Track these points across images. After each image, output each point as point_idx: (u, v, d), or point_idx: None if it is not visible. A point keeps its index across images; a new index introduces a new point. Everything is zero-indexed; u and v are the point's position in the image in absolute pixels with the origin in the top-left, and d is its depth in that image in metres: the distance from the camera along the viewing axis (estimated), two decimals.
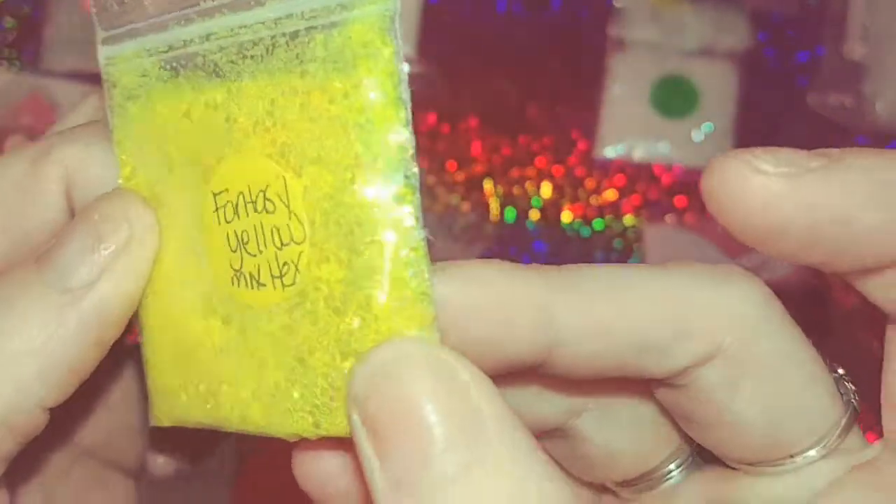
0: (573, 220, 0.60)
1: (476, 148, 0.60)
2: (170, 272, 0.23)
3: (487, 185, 0.59)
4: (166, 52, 0.22)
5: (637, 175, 0.61)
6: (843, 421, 0.22)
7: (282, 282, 0.20)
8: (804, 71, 0.61)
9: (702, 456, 0.23)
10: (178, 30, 0.22)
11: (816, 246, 0.19)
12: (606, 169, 0.60)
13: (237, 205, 0.21)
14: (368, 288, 0.19)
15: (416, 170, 0.19)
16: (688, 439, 0.23)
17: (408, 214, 0.19)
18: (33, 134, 0.59)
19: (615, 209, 0.60)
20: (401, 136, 0.19)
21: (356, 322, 0.19)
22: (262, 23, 0.20)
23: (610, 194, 0.60)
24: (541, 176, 0.60)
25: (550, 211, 0.59)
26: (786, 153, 0.19)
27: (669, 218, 0.59)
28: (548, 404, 0.22)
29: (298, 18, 0.20)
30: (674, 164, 0.61)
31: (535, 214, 0.59)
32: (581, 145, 0.61)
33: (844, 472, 0.21)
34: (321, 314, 0.20)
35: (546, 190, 0.60)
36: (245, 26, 0.21)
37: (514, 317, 0.19)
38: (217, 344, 0.22)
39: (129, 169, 0.23)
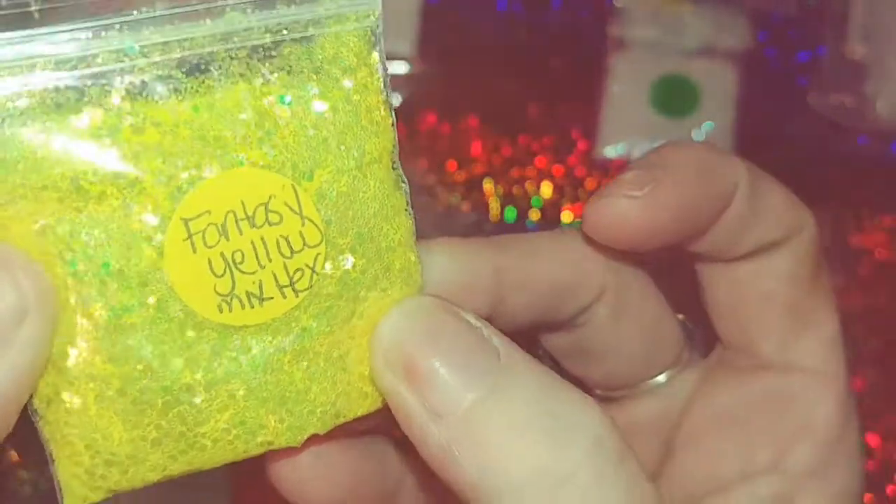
0: (573, 219, 0.60)
1: (476, 148, 0.60)
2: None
3: (487, 185, 0.59)
4: (71, 67, 0.19)
5: None
6: (689, 340, 0.28)
7: (293, 289, 0.21)
8: (804, 71, 0.61)
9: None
10: (85, 41, 0.19)
11: (678, 231, 0.24)
12: (606, 169, 0.60)
13: (224, 225, 0.20)
14: (380, 269, 0.21)
15: (398, 159, 0.22)
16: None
17: (405, 201, 0.22)
18: None
19: None
20: (392, 133, 0.21)
21: (372, 300, 0.22)
22: (215, 35, 0.20)
23: None
24: (541, 176, 0.60)
25: (550, 211, 0.59)
26: (631, 179, 0.24)
27: None
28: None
29: (264, 32, 0.20)
30: None
31: (535, 214, 0.59)
32: (581, 145, 0.61)
33: (700, 376, 0.28)
34: (340, 304, 0.21)
35: (546, 190, 0.60)
36: (190, 39, 0.19)
37: (477, 275, 0.24)
38: (207, 381, 0.21)
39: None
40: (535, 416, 0.20)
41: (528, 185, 0.60)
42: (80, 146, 0.19)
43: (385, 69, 0.21)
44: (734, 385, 0.27)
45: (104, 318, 0.20)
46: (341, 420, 0.22)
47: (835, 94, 0.59)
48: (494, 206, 0.59)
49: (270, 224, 0.20)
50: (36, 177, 0.19)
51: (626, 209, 0.23)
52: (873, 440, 0.53)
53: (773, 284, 0.26)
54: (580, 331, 0.27)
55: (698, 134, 0.61)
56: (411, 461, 0.27)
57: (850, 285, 0.57)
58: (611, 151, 0.61)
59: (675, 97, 0.61)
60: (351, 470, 0.25)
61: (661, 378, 0.28)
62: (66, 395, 0.20)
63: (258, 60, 0.20)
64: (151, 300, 0.20)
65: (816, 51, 0.61)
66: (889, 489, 0.54)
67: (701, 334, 0.29)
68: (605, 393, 0.29)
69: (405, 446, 0.27)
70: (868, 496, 0.53)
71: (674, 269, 0.28)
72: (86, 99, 0.19)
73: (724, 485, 0.25)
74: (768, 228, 0.25)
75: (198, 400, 0.20)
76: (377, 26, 0.21)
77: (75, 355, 0.20)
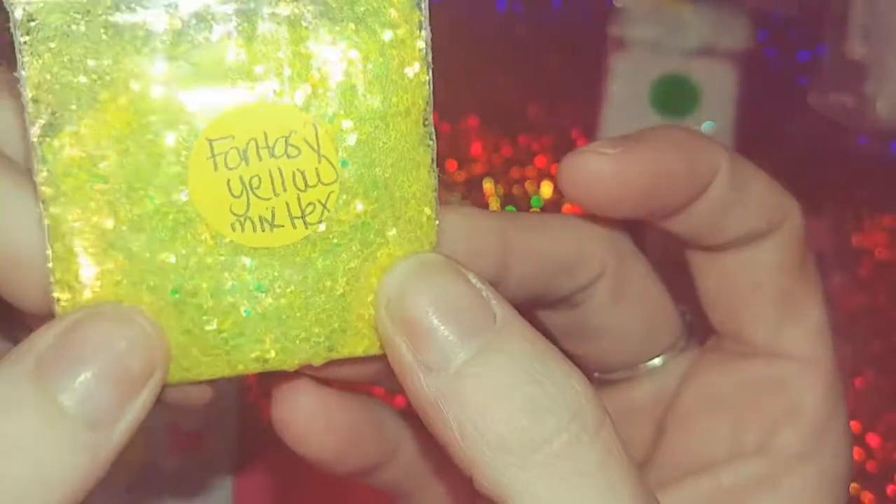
0: None
1: (476, 148, 0.60)
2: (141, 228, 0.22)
3: (487, 185, 0.59)
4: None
5: None
6: (686, 326, 0.29)
7: (304, 221, 0.22)
8: (805, 71, 0.61)
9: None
10: None
11: (651, 200, 0.25)
12: None
13: (245, 150, 0.22)
14: (391, 217, 0.22)
15: (431, 117, 0.22)
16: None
17: (430, 159, 0.23)
18: None
19: None
20: (426, 91, 0.22)
21: (379, 246, 0.22)
22: None
23: None
24: (541, 176, 0.60)
25: (550, 211, 0.59)
26: (612, 139, 0.25)
27: None
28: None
29: None
30: None
31: None
32: (581, 145, 0.61)
33: (694, 361, 0.28)
34: (347, 245, 0.22)
35: (546, 190, 0.60)
36: None
37: (485, 238, 0.25)
38: (213, 289, 0.22)
39: (47, 118, 0.21)
40: (520, 381, 0.20)
41: (528, 185, 0.60)
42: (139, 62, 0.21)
43: (428, 29, 0.22)
44: (725, 370, 0.27)
45: (127, 219, 0.21)
46: (335, 355, 0.23)
47: (835, 94, 0.59)
48: (494, 205, 0.59)
49: (289, 157, 0.22)
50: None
51: (596, 164, 0.24)
52: (873, 440, 0.53)
53: (760, 274, 0.26)
54: (580, 310, 0.28)
55: None
56: (410, 427, 0.28)
57: (850, 285, 0.57)
58: None
59: (675, 97, 0.61)
60: (350, 422, 0.26)
61: (658, 361, 0.29)
62: (85, 282, 0.21)
63: (304, 5, 0.22)
64: (172, 211, 0.22)
65: (816, 51, 0.61)
66: (889, 489, 0.54)
67: (699, 324, 0.30)
68: (602, 375, 0.30)
69: (405, 413, 0.28)
70: (868, 496, 0.53)
71: (676, 260, 0.29)
72: (146, 25, 0.21)
73: (711, 464, 0.26)
74: (752, 217, 0.26)
75: (204, 305, 0.22)
76: None
77: (93, 251, 0.21)
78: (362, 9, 0.22)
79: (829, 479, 0.26)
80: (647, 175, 0.24)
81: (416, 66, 0.22)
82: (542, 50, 0.61)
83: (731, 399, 0.27)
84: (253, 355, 0.23)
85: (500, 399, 0.20)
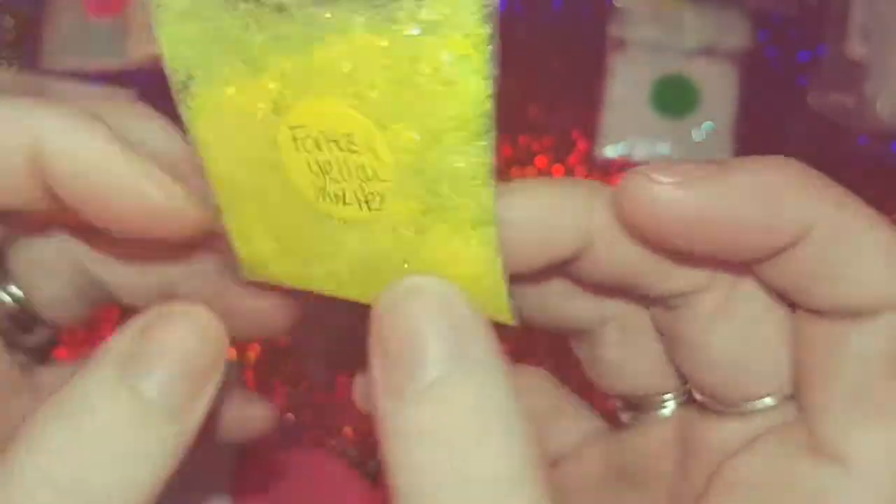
0: None
1: None
2: (249, 163, 0.24)
3: None
4: None
5: None
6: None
7: (368, 205, 0.23)
8: (805, 71, 0.61)
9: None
10: None
11: (711, 241, 0.22)
12: (606, 169, 0.60)
13: (317, 139, 0.23)
14: (442, 221, 0.23)
15: (493, 133, 0.21)
16: (683, 378, 0.26)
17: (487, 170, 0.22)
18: None
19: None
20: (487, 106, 0.21)
21: (430, 242, 0.23)
22: None
23: None
24: (541, 176, 0.60)
25: None
26: (677, 166, 0.22)
27: None
28: (579, 305, 0.26)
29: None
30: None
31: None
32: (581, 145, 0.61)
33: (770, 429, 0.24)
34: (399, 233, 0.23)
35: None
36: None
37: (563, 207, 0.23)
38: (303, 227, 0.24)
39: (185, 75, 0.23)
40: (463, 427, 0.20)
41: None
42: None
43: (495, 44, 0.21)
44: (779, 456, 0.24)
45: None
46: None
47: (835, 94, 0.59)
48: None
49: (351, 151, 0.23)
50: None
51: (646, 188, 0.21)
52: None
53: (853, 357, 0.22)
54: (670, 313, 0.25)
55: (698, 134, 0.61)
56: None
57: None
58: (611, 151, 0.61)
59: (675, 97, 0.61)
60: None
61: (754, 404, 0.25)
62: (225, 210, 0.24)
63: (376, 10, 0.22)
64: (274, 175, 0.23)
65: (816, 51, 0.61)
66: None
67: None
68: (707, 400, 0.26)
69: None
70: None
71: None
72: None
73: None
74: (859, 287, 0.22)
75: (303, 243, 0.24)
76: (491, 2, 0.22)
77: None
78: (428, 18, 0.21)
79: None
80: (702, 216, 0.21)
81: (479, 82, 0.22)
82: (542, 50, 0.61)
83: (772, 494, 0.23)
84: (330, 284, 0.24)
85: (433, 443, 0.20)
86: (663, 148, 0.61)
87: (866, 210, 0.22)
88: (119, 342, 0.22)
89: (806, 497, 0.22)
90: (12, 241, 0.28)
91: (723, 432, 0.25)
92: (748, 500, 0.23)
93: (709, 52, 0.61)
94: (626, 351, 0.27)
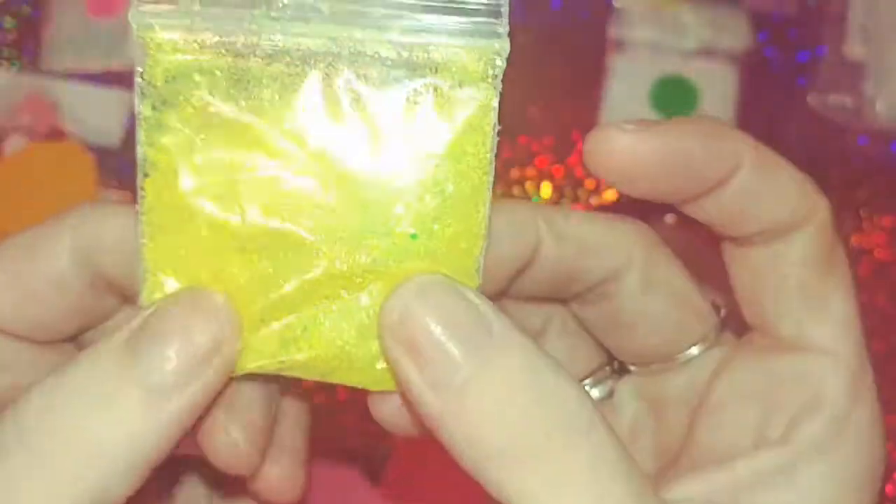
0: None
1: None
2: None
3: None
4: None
5: None
6: (719, 320, 0.30)
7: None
8: (804, 71, 0.61)
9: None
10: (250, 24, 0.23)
11: (666, 180, 0.26)
12: None
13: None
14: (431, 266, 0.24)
15: (489, 202, 0.24)
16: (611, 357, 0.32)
17: (484, 225, 0.24)
18: (33, 134, 0.59)
19: (615, 209, 0.60)
20: (488, 177, 0.24)
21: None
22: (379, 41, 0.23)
23: (610, 194, 0.60)
24: (541, 176, 0.60)
25: None
26: (638, 120, 0.26)
27: (669, 218, 0.60)
28: (528, 314, 0.31)
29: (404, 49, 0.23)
30: None
31: None
32: (581, 145, 0.61)
33: (727, 353, 0.29)
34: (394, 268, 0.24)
35: (546, 190, 0.60)
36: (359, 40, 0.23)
37: (519, 224, 0.28)
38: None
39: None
40: (517, 391, 0.22)
41: (529, 186, 0.60)
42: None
43: (496, 123, 0.24)
44: (754, 364, 0.28)
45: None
46: (329, 379, 0.25)
47: (834, 95, 0.59)
48: None
49: None
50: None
51: (614, 138, 0.25)
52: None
53: (786, 268, 0.27)
54: (612, 302, 0.30)
55: None
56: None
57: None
58: None
59: (674, 97, 0.61)
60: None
61: (693, 351, 0.30)
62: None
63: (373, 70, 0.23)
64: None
65: (816, 51, 0.61)
66: (889, 489, 0.54)
67: (738, 319, 0.30)
68: (638, 367, 0.31)
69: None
70: None
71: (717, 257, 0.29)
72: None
73: (734, 455, 0.27)
74: (778, 209, 0.26)
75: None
76: (499, 71, 0.25)
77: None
78: (436, 79, 0.23)
79: (850, 473, 0.26)
80: (662, 154, 0.25)
81: (481, 146, 0.24)
82: (541, 51, 0.61)
83: (759, 392, 0.28)
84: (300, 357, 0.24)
85: (500, 411, 0.22)
86: None
87: (773, 152, 0.27)
88: (134, 320, 0.23)
89: (794, 383, 0.27)
90: None
91: (679, 383, 0.30)
92: (741, 407, 0.27)
93: (708, 52, 0.61)
94: (565, 343, 0.32)
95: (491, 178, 0.24)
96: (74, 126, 0.59)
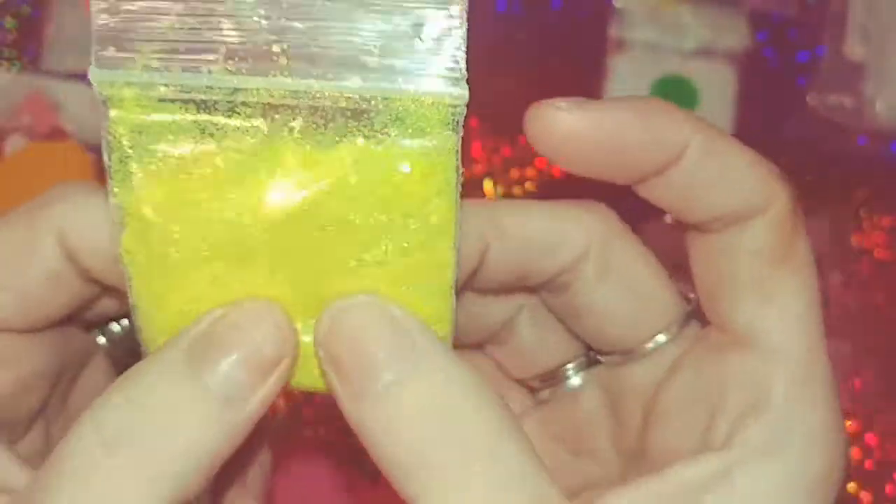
0: None
1: (476, 148, 0.60)
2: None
3: (487, 185, 0.59)
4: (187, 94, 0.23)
5: None
6: (685, 312, 0.29)
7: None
8: (804, 71, 0.61)
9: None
10: (197, 75, 0.23)
11: (602, 159, 0.25)
12: None
13: None
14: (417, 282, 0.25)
15: (458, 234, 0.25)
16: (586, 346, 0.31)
17: (452, 275, 0.25)
18: (33, 134, 0.59)
19: (615, 205, 0.60)
20: (453, 221, 0.24)
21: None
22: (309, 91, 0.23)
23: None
24: (541, 176, 0.60)
25: None
26: (576, 98, 0.25)
27: (669, 217, 0.60)
28: (495, 306, 0.31)
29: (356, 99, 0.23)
30: None
31: None
32: None
33: (684, 349, 0.28)
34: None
35: (546, 190, 0.60)
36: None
37: (465, 225, 0.26)
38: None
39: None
40: (428, 407, 0.23)
41: (529, 186, 0.60)
42: None
43: (459, 165, 0.25)
44: (707, 360, 0.27)
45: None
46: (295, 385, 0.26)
47: (834, 95, 0.59)
48: None
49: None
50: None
51: (551, 117, 0.25)
52: (872, 440, 0.53)
53: (740, 258, 0.26)
54: (570, 291, 0.29)
55: None
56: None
57: (849, 285, 0.57)
58: None
59: (674, 97, 0.61)
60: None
61: (655, 342, 0.29)
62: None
63: (349, 123, 0.24)
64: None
65: (816, 51, 0.61)
66: (888, 489, 0.54)
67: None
68: (606, 358, 0.30)
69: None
70: (866, 496, 0.53)
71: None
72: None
73: (679, 459, 0.25)
74: (732, 196, 0.25)
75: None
76: (460, 117, 0.25)
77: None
78: (396, 128, 0.24)
79: (795, 479, 0.24)
80: (595, 133, 0.25)
81: (439, 203, 0.24)
82: (541, 50, 0.61)
83: (708, 392, 0.26)
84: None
85: (407, 426, 0.23)
86: None
87: (728, 135, 0.26)
88: (196, 327, 0.24)
89: (740, 383, 0.26)
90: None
91: (636, 377, 0.29)
92: (689, 408, 0.27)
93: (708, 52, 0.61)
94: (536, 332, 0.31)
95: (458, 213, 0.25)
96: (74, 126, 0.59)
